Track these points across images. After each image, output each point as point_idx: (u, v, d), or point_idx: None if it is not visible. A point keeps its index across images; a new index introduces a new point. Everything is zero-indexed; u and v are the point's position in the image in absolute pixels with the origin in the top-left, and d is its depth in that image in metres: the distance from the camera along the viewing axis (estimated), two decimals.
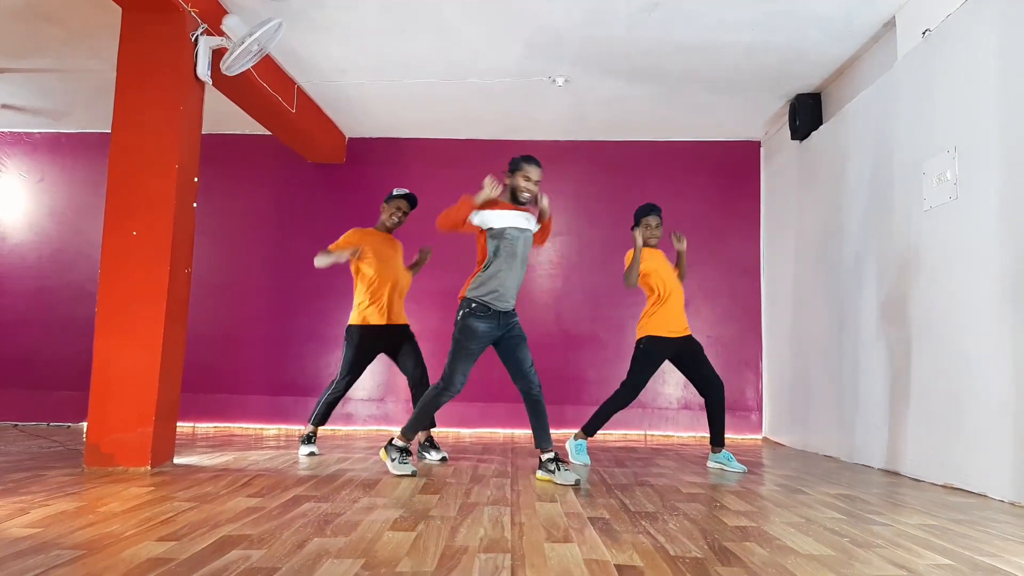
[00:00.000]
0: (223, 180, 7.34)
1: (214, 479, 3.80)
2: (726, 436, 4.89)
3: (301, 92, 6.13)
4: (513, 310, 4.06)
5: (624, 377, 4.74)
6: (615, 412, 4.72)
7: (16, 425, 6.89)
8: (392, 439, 4.16)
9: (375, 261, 4.88)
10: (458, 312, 4.00)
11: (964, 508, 3.38)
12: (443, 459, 4.76)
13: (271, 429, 6.96)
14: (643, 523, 2.91)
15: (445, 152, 7.36)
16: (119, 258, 4.20)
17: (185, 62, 4.37)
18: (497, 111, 6.63)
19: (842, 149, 5.52)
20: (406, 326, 5.00)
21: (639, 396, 4.76)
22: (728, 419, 6.90)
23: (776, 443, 6.62)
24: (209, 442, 5.77)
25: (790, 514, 3.16)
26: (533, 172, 4.00)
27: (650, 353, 4.65)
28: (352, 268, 4.96)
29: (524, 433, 6.92)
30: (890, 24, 4.93)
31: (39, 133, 7.45)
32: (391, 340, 4.94)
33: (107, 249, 4.21)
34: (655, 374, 4.72)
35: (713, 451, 4.69)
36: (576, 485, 3.77)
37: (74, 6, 4.87)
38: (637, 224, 4.74)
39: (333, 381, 4.97)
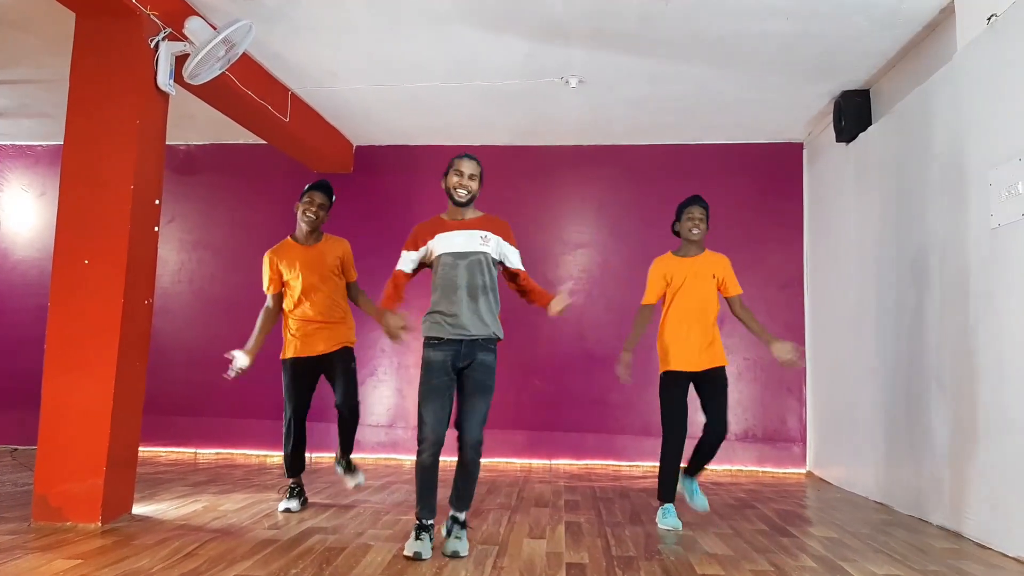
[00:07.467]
0: (224, 191, 6.99)
1: (160, 544, 3.36)
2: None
3: (296, 99, 5.69)
4: (483, 342, 3.35)
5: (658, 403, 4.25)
6: (677, 464, 4.05)
7: (15, 450, 6.61)
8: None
9: (291, 284, 4.21)
10: None
11: None
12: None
13: (275, 456, 6.56)
14: None
15: None
16: (69, 289, 3.80)
17: (144, 71, 3.95)
18: (510, 115, 6.09)
19: (894, 153, 4.82)
20: (342, 350, 4.27)
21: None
22: (769, 451, 6.31)
23: (821, 479, 5.94)
24: (198, 475, 5.38)
25: None
26: (465, 165, 3.40)
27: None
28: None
29: (540, 464, 6.40)
30: (948, 9, 4.25)
31: (40, 146, 7.18)
32: (323, 369, 4.30)
33: (56, 279, 3.81)
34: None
35: (684, 474, 4.15)
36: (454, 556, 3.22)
37: (42, 14, 4.50)
38: (679, 219, 4.17)
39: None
